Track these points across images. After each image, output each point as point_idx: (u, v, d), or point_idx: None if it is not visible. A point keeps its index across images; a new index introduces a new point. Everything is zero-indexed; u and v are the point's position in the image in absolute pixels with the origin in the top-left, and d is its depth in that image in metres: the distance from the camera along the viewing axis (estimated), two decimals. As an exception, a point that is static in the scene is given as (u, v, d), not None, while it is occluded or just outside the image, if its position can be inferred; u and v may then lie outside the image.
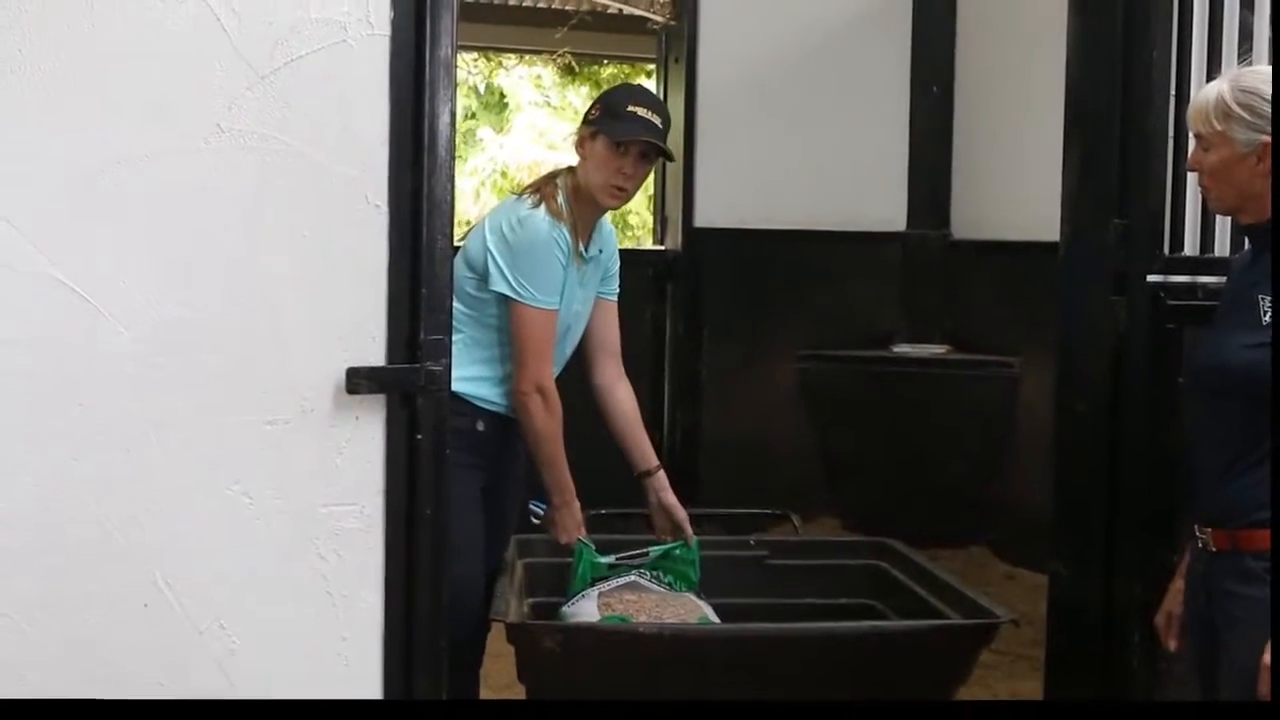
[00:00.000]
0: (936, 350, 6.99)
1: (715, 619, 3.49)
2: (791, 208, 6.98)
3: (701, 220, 6.98)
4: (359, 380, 2.41)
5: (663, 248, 7.24)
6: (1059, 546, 3.37)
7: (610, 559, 3.65)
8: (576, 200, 3.63)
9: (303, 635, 2.44)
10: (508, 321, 3.55)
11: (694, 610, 3.49)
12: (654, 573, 3.69)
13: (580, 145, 3.67)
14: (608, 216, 3.81)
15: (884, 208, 7.11)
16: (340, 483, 2.44)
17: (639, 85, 3.76)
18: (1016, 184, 6.53)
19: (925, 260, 7.10)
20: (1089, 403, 3.32)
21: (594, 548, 3.64)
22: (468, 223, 13.40)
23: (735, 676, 3.13)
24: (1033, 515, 6.22)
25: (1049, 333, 6.24)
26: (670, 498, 3.82)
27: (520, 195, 3.66)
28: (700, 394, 6.92)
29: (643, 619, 3.32)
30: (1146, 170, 3.44)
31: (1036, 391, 6.42)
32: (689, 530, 3.77)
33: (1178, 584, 2.95)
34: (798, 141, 7.03)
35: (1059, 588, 3.35)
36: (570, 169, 3.70)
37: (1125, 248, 3.41)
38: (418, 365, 2.45)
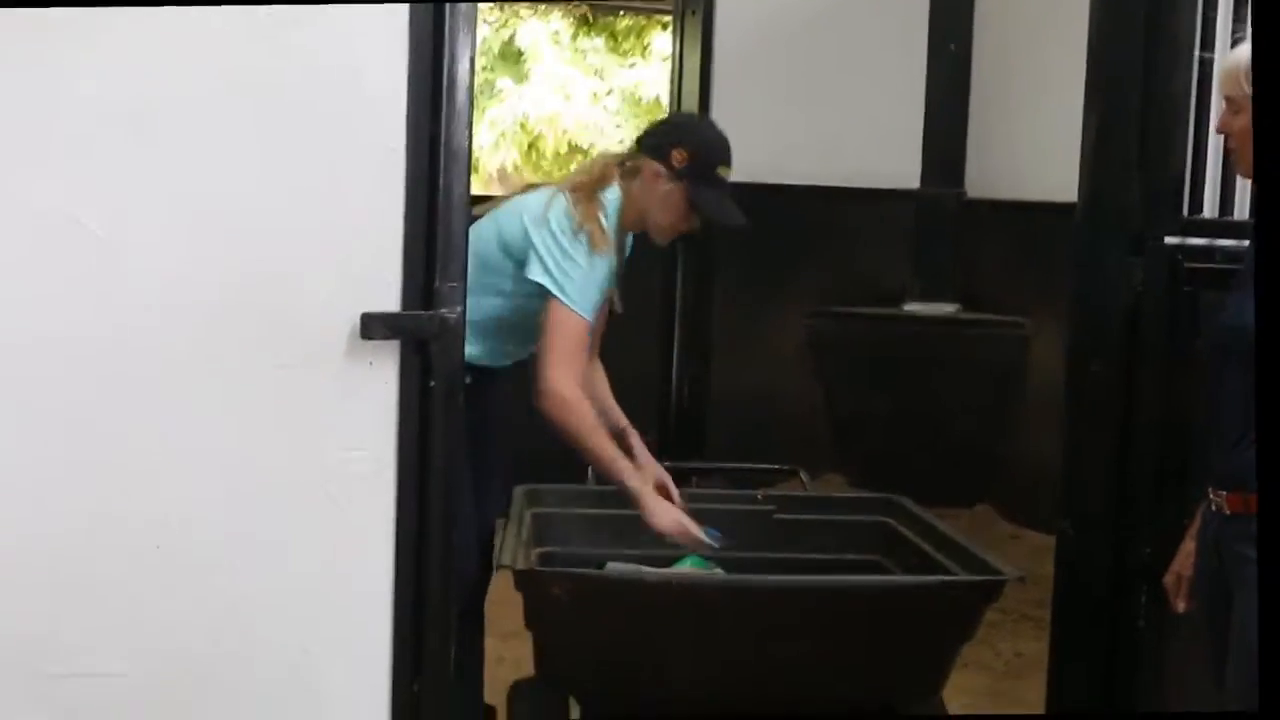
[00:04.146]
0: (947, 309, 6.95)
1: None
2: (805, 164, 6.92)
3: (714, 174, 6.90)
4: (373, 326, 2.41)
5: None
6: (1068, 506, 3.36)
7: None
8: (622, 220, 3.57)
9: (313, 580, 2.44)
10: (526, 302, 3.50)
11: None
12: None
13: (651, 178, 3.56)
14: None
15: (898, 165, 7.03)
16: (353, 428, 2.44)
17: (721, 133, 3.67)
18: (1033, 144, 6.49)
19: (938, 219, 7.03)
20: (1102, 363, 3.30)
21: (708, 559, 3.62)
22: (490, 177, 13.42)
23: (742, 628, 3.13)
24: (1039, 476, 6.23)
25: (1061, 294, 6.23)
26: (641, 455, 3.79)
27: (564, 193, 3.55)
28: (709, 349, 6.88)
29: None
30: (1167, 131, 3.41)
31: (1046, 352, 6.38)
32: (670, 489, 3.75)
33: (1188, 546, 2.95)
34: (813, 97, 6.97)
35: (1067, 547, 3.34)
36: (620, 180, 3.60)
37: (1144, 209, 3.38)
38: (432, 312, 2.45)
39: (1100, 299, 3.34)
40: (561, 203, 3.50)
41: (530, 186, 3.73)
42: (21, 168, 2.25)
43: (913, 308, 6.99)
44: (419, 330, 2.45)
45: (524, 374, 3.62)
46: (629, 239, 3.72)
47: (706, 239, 6.78)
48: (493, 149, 13.67)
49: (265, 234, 2.38)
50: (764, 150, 6.91)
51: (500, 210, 3.63)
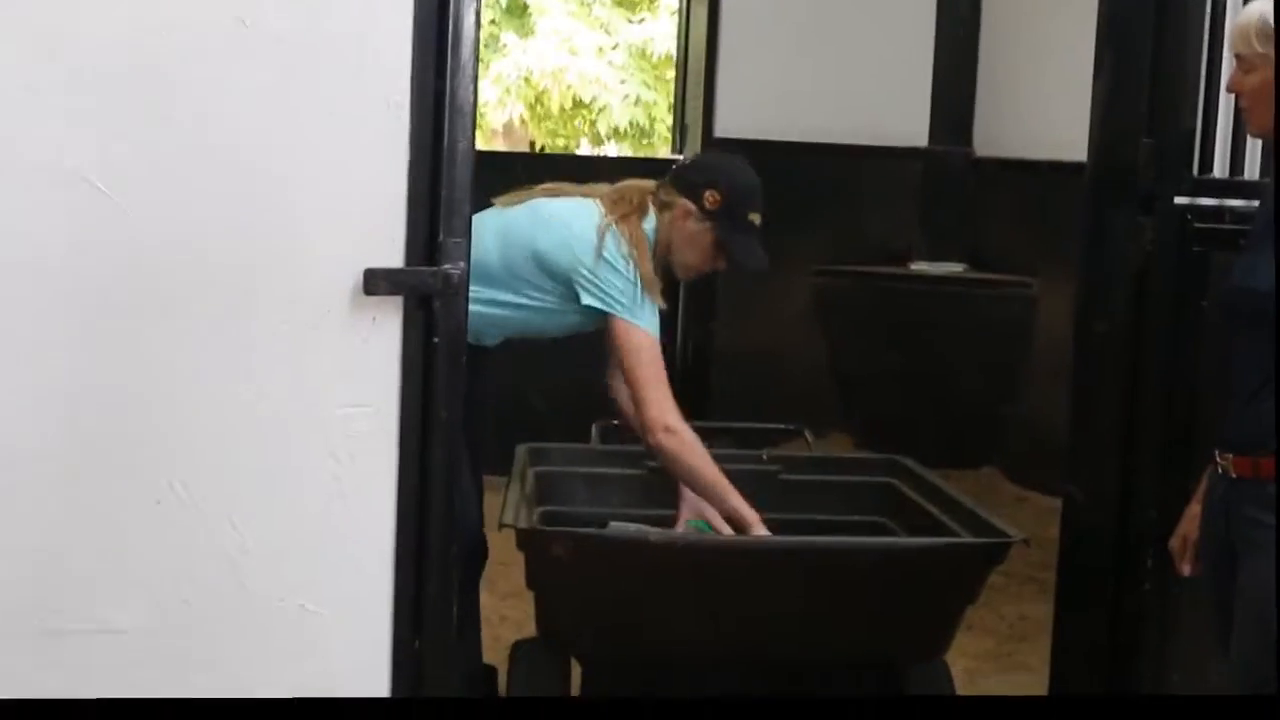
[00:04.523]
0: (954, 269, 6.92)
1: None
2: (812, 120, 6.88)
3: (721, 130, 6.89)
4: (377, 281, 2.37)
5: (680, 157, 7.11)
6: (1074, 469, 3.34)
7: None
8: (656, 251, 3.56)
9: (314, 536, 2.42)
10: (546, 317, 3.54)
11: None
12: None
13: (681, 216, 3.55)
14: None
15: (906, 123, 6.99)
16: (356, 384, 2.41)
17: (754, 177, 3.60)
18: (1043, 102, 6.45)
19: (946, 177, 7.00)
20: (1110, 324, 3.27)
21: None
22: (494, 132, 13.35)
23: (745, 590, 3.13)
24: (1046, 438, 6.21)
25: (1069, 254, 6.19)
26: (685, 492, 3.70)
27: (614, 226, 3.53)
28: (714, 306, 6.85)
29: None
30: (1179, 90, 3.37)
31: (1054, 313, 6.38)
32: (714, 522, 3.67)
33: (1194, 509, 2.93)
34: (821, 52, 6.94)
35: (1072, 511, 3.32)
36: (651, 211, 3.58)
37: (1154, 168, 3.35)
38: (436, 268, 2.41)
39: (1108, 260, 3.31)
40: (615, 236, 3.48)
41: (555, 190, 3.70)
42: (21, 119, 2.22)
43: (919, 267, 6.96)
44: (423, 286, 2.42)
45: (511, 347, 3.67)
46: None
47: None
48: (498, 104, 13.61)
49: (268, 188, 2.34)
50: (771, 106, 6.90)
51: (536, 218, 3.59)
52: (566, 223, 3.53)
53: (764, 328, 6.86)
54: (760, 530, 3.42)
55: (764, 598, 3.12)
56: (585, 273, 3.45)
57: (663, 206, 3.57)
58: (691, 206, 3.53)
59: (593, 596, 3.14)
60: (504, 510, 3.18)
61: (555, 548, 3.05)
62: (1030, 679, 4.55)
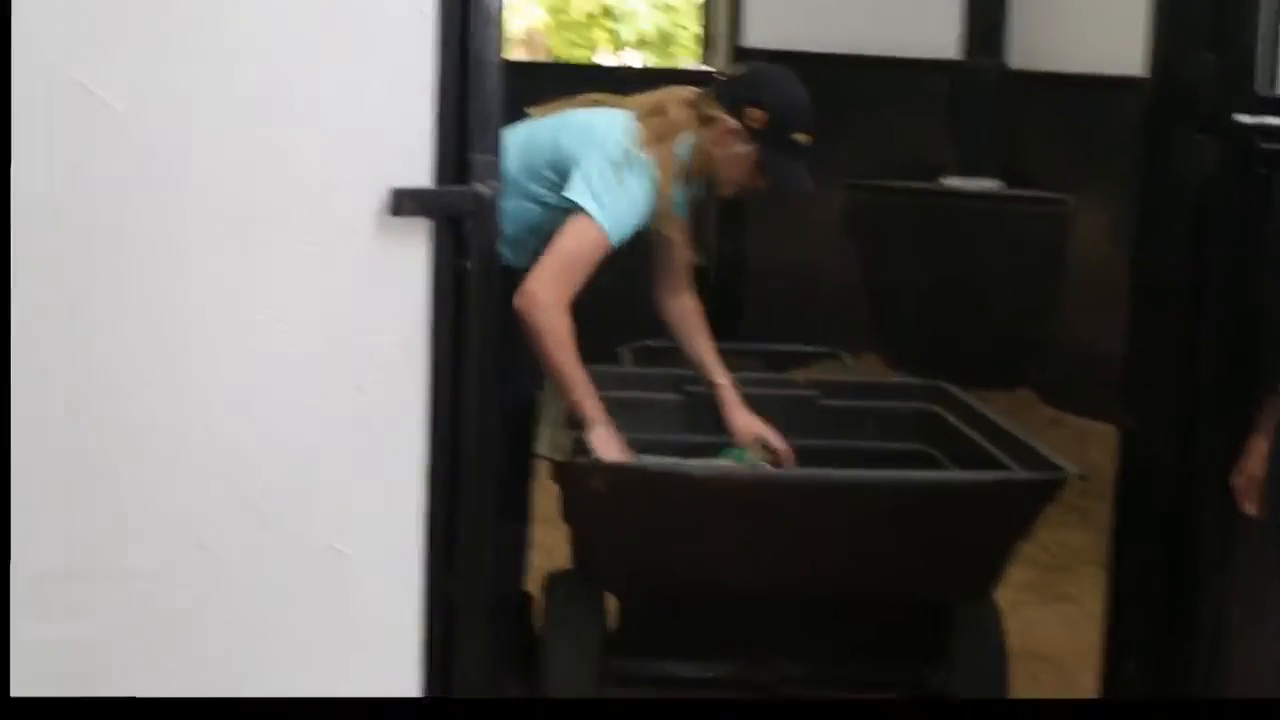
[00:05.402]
0: (987, 185, 6.77)
1: None
2: (841, 31, 6.73)
3: (748, 40, 6.73)
4: (404, 202, 2.23)
5: (708, 69, 6.97)
6: (1130, 400, 3.19)
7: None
8: (693, 166, 3.38)
9: (340, 472, 2.29)
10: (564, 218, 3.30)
11: None
12: None
13: (723, 134, 3.35)
14: None
15: (937, 34, 6.84)
16: (382, 311, 2.27)
17: (803, 94, 3.43)
18: (1080, 12, 6.30)
19: (979, 90, 6.85)
20: (1169, 249, 3.12)
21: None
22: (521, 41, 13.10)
23: (787, 524, 3.00)
24: (1081, 359, 6.17)
25: (1106, 170, 6.22)
26: (737, 416, 3.60)
27: (638, 122, 3.37)
28: (745, 221, 6.71)
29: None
30: (1242, 1, 3.20)
31: (1089, 230, 6.31)
32: (774, 442, 3.57)
33: (1259, 444, 2.79)
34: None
35: (1129, 444, 3.17)
36: (692, 126, 3.39)
37: (1216, 84, 3.18)
38: (466, 187, 2.27)
39: (1167, 181, 3.15)
40: (626, 129, 3.32)
41: (594, 101, 3.52)
42: (29, 36, 2.06)
43: (951, 183, 6.82)
44: (452, 207, 2.27)
45: None
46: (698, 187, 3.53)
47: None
48: (518, 10, 13.32)
49: (289, 104, 2.19)
50: (799, 16, 6.73)
51: (562, 124, 3.43)
52: (591, 125, 3.36)
53: (795, 242, 6.73)
54: (600, 429, 3.22)
55: (808, 533, 3.00)
56: (581, 158, 3.27)
57: (704, 121, 3.38)
58: (734, 124, 3.35)
59: (631, 531, 3.01)
60: (539, 439, 3.05)
61: (593, 481, 2.91)
62: (1074, 610, 4.46)
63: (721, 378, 3.61)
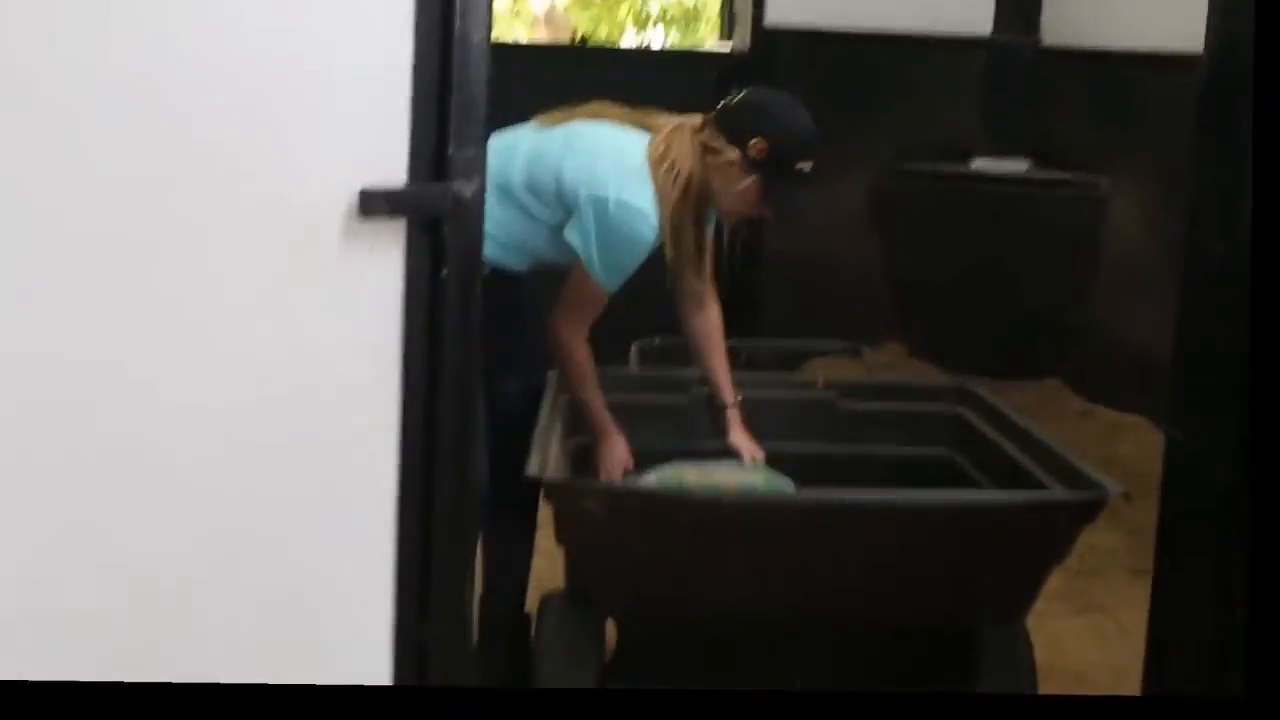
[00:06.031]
0: (1018, 167, 6.58)
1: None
2: (868, 6, 6.52)
3: (771, 18, 6.50)
4: (374, 202, 2.00)
5: (728, 49, 6.75)
6: (1179, 406, 2.95)
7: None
8: (696, 199, 3.31)
9: (302, 506, 2.05)
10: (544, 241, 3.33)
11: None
12: None
13: (725, 165, 3.27)
14: None
15: (968, 9, 6.64)
16: (350, 325, 2.04)
17: (805, 120, 3.35)
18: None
19: (1010, 68, 6.67)
20: (1229, 243, 2.87)
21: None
22: (535, 19, 12.86)
23: (801, 548, 2.77)
24: (1114, 348, 6.01)
25: (1142, 151, 6.03)
26: (736, 438, 3.49)
27: (644, 139, 3.31)
28: (763, 208, 6.49)
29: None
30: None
31: (1125, 214, 6.15)
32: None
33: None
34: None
35: (1177, 454, 2.93)
36: (697, 156, 3.31)
37: None
38: (445, 185, 2.04)
39: (1227, 169, 2.90)
40: (631, 167, 3.25)
41: (599, 113, 3.42)
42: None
43: (981, 165, 6.62)
44: (429, 207, 2.05)
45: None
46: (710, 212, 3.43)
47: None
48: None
49: (244, 89, 1.95)
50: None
51: (570, 141, 3.33)
52: (596, 157, 3.29)
53: (815, 231, 6.45)
54: (613, 450, 3.31)
55: (823, 557, 2.78)
56: (584, 215, 3.22)
57: (706, 150, 3.29)
58: (736, 155, 3.25)
59: (631, 556, 2.79)
60: (531, 455, 2.83)
61: (588, 502, 2.68)
62: (1106, 622, 4.24)
63: (729, 400, 3.53)
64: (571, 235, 3.23)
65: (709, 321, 3.55)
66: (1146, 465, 5.41)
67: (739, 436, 3.47)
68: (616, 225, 3.18)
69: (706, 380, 3.54)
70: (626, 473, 3.29)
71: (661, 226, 3.22)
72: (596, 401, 3.33)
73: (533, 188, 3.29)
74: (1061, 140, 6.56)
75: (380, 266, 2.04)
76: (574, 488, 2.76)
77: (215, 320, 1.98)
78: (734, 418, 3.49)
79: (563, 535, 2.83)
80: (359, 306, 2.04)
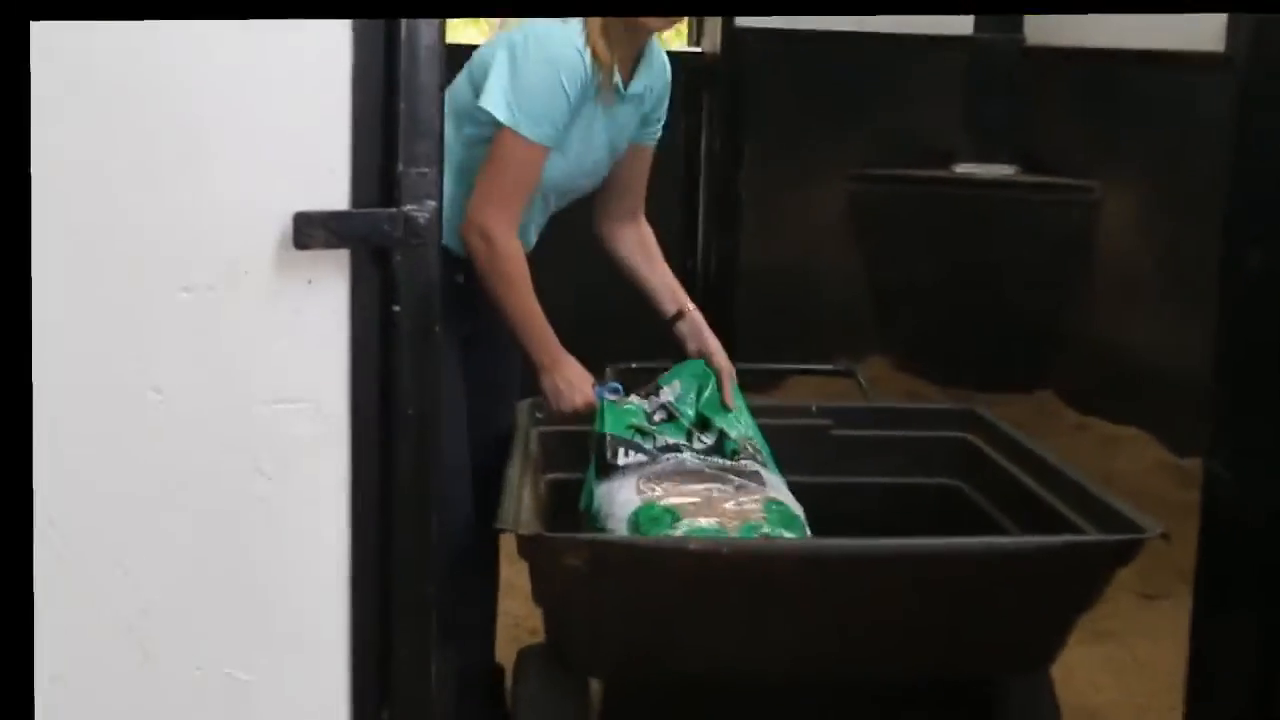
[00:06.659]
0: (1004, 171, 6.35)
1: (797, 510, 2.84)
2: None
3: (743, 19, 6.23)
4: (311, 230, 1.74)
5: (698, 49, 6.52)
6: (1219, 439, 2.70)
7: (638, 405, 3.05)
8: (618, 25, 2.91)
9: (239, 581, 1.78)
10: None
11: (762, 498, 2.83)
12: (701, 435, 3.06)
13: None
14: (661, 51, 3.10)
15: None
16: (287, 372, 1.78)
17: None
18: (1103, -19, 5.86)
19: (994, 68, 6.43)
20: (1267, 255, 2.63)
21: (617, 398, 3.03)
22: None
23: (805, 600, 2.50)
24: (1109, 359, 5.83)
25: (1135, 154, 5.81)
26: (708, 342, 3.19)
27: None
28: (738, 217, 6.26)
29: (701, 520, 2.66)
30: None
31: (1118, 219, 5.95)
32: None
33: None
34: (854, -74, 6.31)
35: (1217, 491, 2.68)
36: None
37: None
38: (394, 209, 1.79)
39: (1264, 176, 2.66)
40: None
41: None
42: None
43: (965, 169, 6.40)
44: (376, 235, 1.79)
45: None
46: (652, 62, 3.07)
47: (734, 89, 6.20)
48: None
49: (157, 100, 1.69)
50: (798, -7, 6.26)
51: (498, 37, 2.98)
52: (520, 26, 2.92)
53: (794, 239, 6.34)
54: (567, 400, 2.94)
55: (829, 609, 2.51)
56: (497, 66, 2.85)
57: None
58: None
59: (617, 612, 2.50)
60: (503, 503, 2.55)
61: (567, 556, 2.40)
62: (1119, 652, 3.99)
63: (689, 304, 3.22)
64: (488, 96, 2.83)
65: (641, 232, 3.24)
66: (1145, 481, 5.22)
67: (709, 340, 3.19)
68: (533, 52, 2.82)
69: (655, 295, 3.23)
70: (588, 406, 2.96)
71: (590, 46, 2.85)
72: (537, 317, 2.92)
73: (468, 111, 2.93)
74: (1049, 142, 6.37)
75: (321, 303, 1.78)
76: (552, 541, 2.47)
77: (131, 371, 1.70)
78: (698, 320, 3.21)
79: (542, 594, 2.55)
80: (297, 350, 1.77)
